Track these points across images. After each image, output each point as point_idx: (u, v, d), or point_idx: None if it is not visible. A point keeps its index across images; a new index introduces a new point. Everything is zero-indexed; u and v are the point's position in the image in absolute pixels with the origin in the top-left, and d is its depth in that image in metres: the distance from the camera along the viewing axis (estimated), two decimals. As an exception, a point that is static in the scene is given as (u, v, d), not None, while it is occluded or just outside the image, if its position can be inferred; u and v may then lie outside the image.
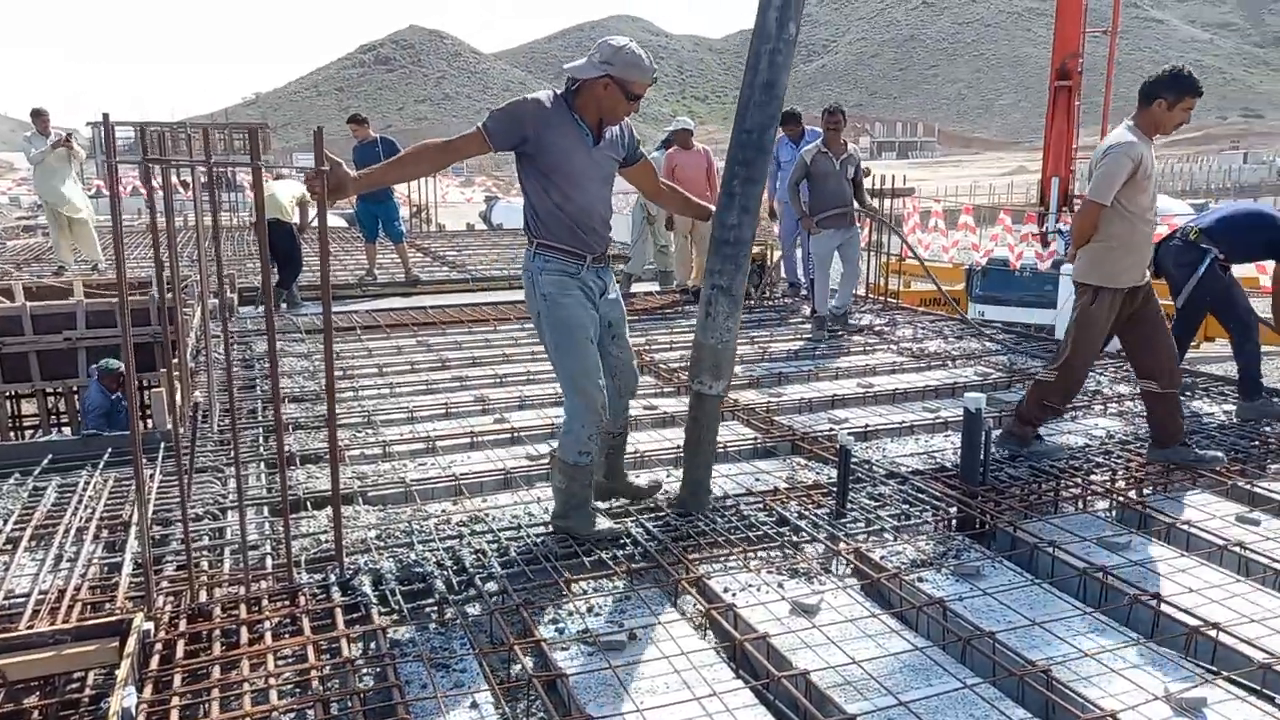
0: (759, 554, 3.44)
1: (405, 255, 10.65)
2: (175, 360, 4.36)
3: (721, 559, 3.41)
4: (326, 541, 3.55)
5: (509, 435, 4.95)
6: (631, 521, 3.72)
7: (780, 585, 3.21)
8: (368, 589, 3.11)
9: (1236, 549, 3.42)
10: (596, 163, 3.40)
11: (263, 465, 4.48)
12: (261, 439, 4.88)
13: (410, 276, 10.53)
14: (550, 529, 3.63)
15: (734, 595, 3.13)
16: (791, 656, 2.71)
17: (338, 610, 2.98)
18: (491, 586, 3.18)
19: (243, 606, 3.02)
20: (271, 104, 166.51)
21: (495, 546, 3.50)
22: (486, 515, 3.84)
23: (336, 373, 6.34)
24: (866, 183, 7.92)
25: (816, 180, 7.31)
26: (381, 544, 3.54)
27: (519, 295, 10.03)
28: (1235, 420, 5.11)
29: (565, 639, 2.85)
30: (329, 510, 3.52)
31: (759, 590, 3.17)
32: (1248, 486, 4.08)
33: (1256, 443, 4.70)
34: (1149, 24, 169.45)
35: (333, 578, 3.21)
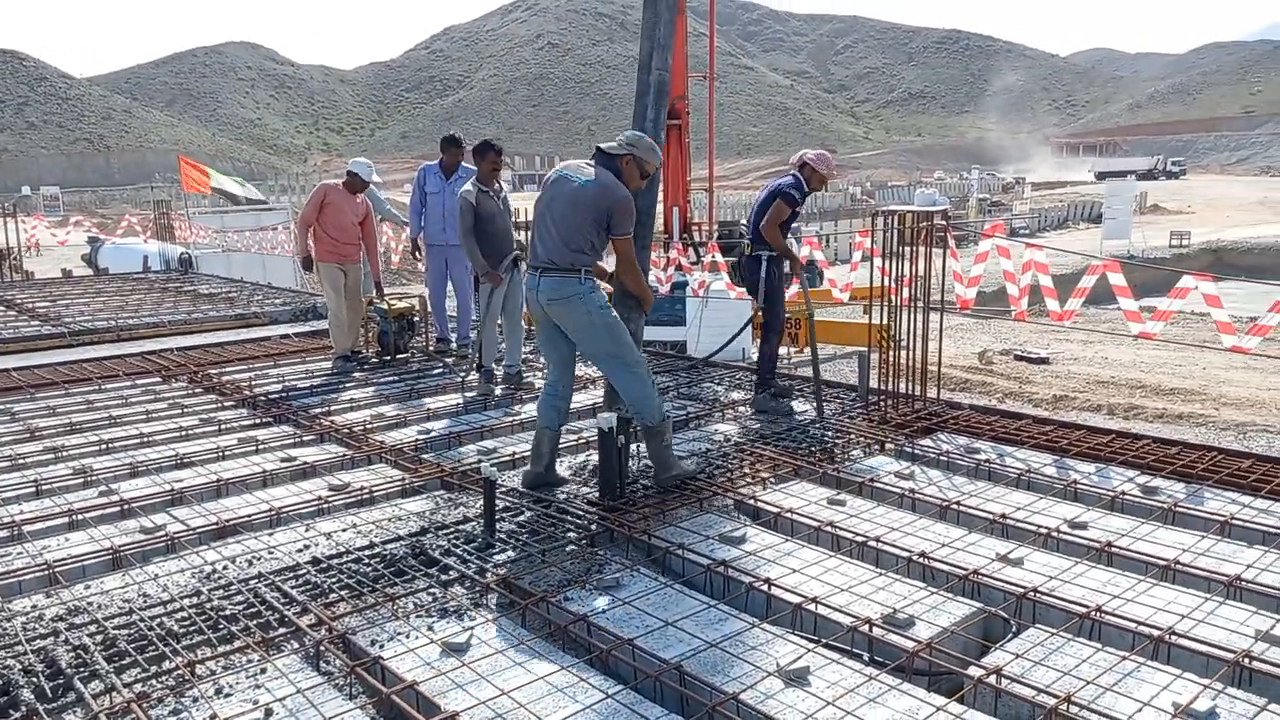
0: (407, 599, 3.36)
1: None
2: None
3: (367, 610, 3.28)
4: None
5: (118, 509, 4.38)
6: (265, 585, 3.47)
7: (430, 628, 3.16)
8: (-73, 717, 2.59)
9: (829, 529, 3.95)
10: None
11: None
12: None
13: None
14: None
15: (381, 647, 3.02)
16: (441, 700, 2.68)
17: (-117, 751, 2.45)
18: (96, 686, 2.79)
19: None
20: None
21: (100, 639, 3.08)
22: (89, 604, 3.37)
23: (-119, 458, 5.23)
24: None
25: (483, 222, 6.69)
26: (-53, 659, 2.96)
27: (133, 348, 9.03)
28: (752, 410, 6.04)
29: (189, 729, 2.58)
30: None
31: (408, 637, 3.10)
32: (835, 473, 4.73)
33: (839, 436, 5.47)
34: (742, 70, 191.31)
35: (-124, 712, 2.64)
